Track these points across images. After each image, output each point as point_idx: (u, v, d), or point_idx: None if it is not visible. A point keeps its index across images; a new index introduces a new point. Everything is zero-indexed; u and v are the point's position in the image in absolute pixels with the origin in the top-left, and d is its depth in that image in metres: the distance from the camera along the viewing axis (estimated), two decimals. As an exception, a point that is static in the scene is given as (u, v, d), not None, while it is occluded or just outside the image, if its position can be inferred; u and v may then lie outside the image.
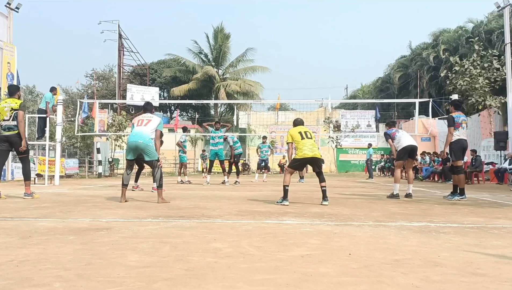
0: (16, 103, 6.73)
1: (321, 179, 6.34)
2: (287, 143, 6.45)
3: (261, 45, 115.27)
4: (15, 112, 6.67)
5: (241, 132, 28.60)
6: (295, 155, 6.31)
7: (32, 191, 6.92)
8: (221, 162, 12.10)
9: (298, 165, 6.45)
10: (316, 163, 6.37)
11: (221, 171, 13.36)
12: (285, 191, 6.18)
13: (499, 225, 4.23)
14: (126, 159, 6.51)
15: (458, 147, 7.15)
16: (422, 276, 2.26)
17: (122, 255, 2.71)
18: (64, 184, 12.02)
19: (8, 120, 6.69)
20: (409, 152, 7.57)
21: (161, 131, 6.54)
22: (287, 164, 6.49)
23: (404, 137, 7.69)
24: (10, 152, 7.19)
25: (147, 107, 6.84)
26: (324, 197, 6.22)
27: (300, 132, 6.32)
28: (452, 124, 7.15)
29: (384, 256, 2.72)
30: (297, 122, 6.73)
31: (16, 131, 6.71)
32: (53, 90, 12.87)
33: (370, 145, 19.81)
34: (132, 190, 8.93)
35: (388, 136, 7.91)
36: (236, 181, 12.37)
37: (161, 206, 5.77)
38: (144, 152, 6.26)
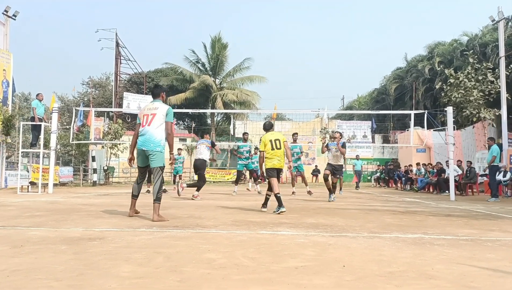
0: None
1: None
2: (260, 151, 6.73)
3: (258, 55, 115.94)
4: None
5: (237, 141, 28.58)
6: (266, 165, 6.65)
7: None
8: (251, 172, 13.10)
9: (273, 173, 6.64)
10: (280, 173, 6.80)
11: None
12: (266, 199, 6.73)
13: (493, 237, 4.24)
14: (138, 166, 5.77)
15: None
16: (416, 288, 2.26)
17: (114, 265, 2.69)
18: (58, 192, 11.94)
19: None
20: None
21: (171, 124, 5.60)
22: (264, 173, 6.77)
23: None
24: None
25: (155, 91, 5.77)
26: (280, 205, 6.30)
27: (271, 141, 6.61)
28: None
29: (378, 268, 2.72)
30: (268, 127, 6.97)
31: None
32: (37, 95, 13.29)
33: (358, 157, 21.35)
34: None
35: None
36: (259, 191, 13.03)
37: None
38: (149, 159, 5.57)
